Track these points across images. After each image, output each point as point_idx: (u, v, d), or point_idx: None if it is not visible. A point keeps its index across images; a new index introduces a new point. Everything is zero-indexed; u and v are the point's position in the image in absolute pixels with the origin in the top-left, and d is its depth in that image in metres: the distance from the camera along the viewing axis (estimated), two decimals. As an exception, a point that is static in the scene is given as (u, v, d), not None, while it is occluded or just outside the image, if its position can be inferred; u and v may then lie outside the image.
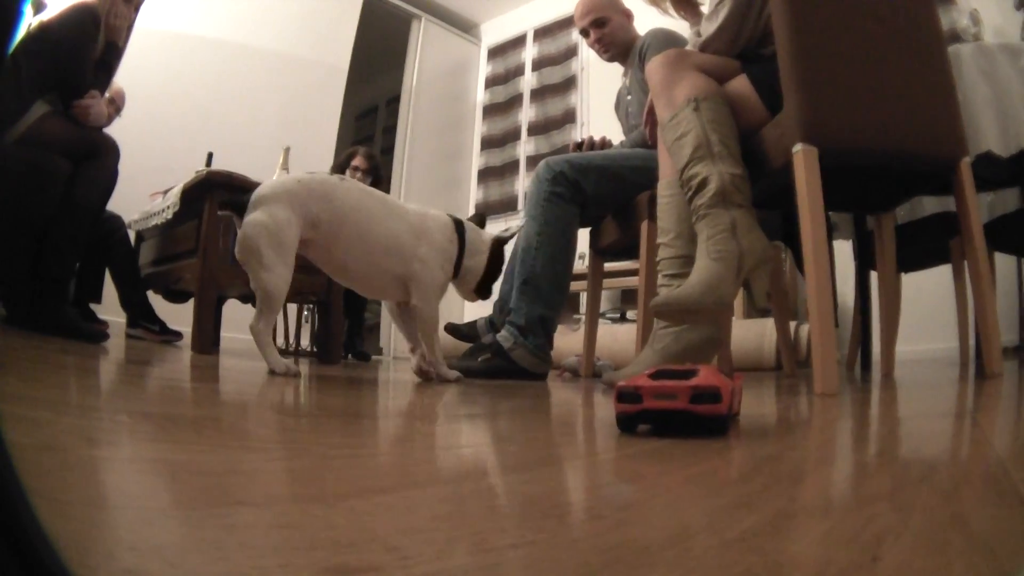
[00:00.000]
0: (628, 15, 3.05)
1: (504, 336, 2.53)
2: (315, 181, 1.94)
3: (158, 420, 0.89)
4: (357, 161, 4.46)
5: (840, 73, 1.80)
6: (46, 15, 2.66)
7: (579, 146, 2.92)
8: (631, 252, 2.76)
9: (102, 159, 2.69)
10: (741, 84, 2.00)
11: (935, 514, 0.51)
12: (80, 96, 2.70)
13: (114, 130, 2.82)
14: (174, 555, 0.35)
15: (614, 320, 5.16)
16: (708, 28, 2.07)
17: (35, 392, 1.00)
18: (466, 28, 7.62)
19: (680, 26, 2.51)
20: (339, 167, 4.50)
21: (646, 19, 2.83)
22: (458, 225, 2.17)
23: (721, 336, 1.98)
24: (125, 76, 3.97)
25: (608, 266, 3.25)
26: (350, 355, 4.33)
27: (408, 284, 2.05)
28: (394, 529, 0.43)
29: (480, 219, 2.33)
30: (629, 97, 3.02)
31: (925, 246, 2.93)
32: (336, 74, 6.28)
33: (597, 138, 2.95)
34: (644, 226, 2.46)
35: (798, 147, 1.73)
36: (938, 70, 1.92)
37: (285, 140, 3.64)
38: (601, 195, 2.65)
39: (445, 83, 7.28)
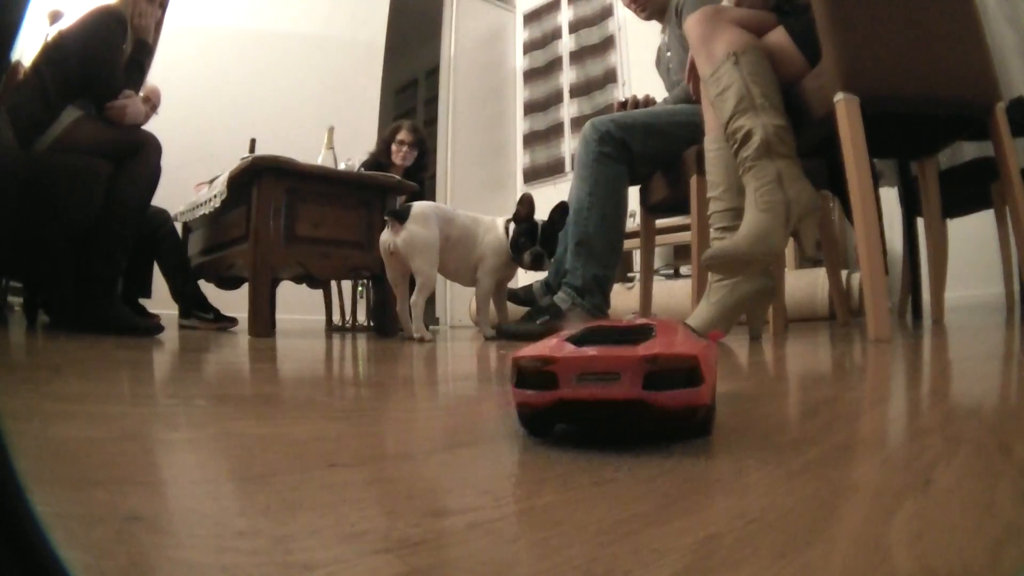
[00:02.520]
0: (662, -27, 3.02)
1: (561, 298, 2.55)
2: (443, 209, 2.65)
3: (234, 401, 0.90)
4: (402, 135, 4.43)
5: (875, 22, 1.81)
6: (64, 24, 2.66)
7: (623, 105, 2.91)
8: (682, 208, 2.76)
9: (143, 156, 2.66)
10: (779, 36, 2.00)
11: (983, 444, 0.54)
12: (114, 97, 2.68)
13: (155, 126, 2.83)
14: (282, 514, 0.37)
15: (668, 276, 5.15)
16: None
17: (100, 389, 0.99)
18: (500, -5, 7.56)
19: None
20: (384, 142, 4.50)
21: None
22: (506, 223, 2.64)
23: (775, 286, 1.98)
24: (162, 71, 4.03)
25: (660, 223, 3.26)
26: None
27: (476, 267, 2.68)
28: (482, 476, 0.45)
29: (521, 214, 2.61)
30: (669, 54, 3.00)
31: (967, 191, 2.90)
32: (373, 50, 6.26)
33: (641, 96, 2.94)
34: (693, 181, 2.46)
35: (839, 96, 1.74)
36: (967, 16, 1.93)
37: (327, 121, 3.64)
38: (648, 152, 2.65)
39: (483, 51, 7.25)
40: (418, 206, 2.54)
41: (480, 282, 2.68)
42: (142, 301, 3.38)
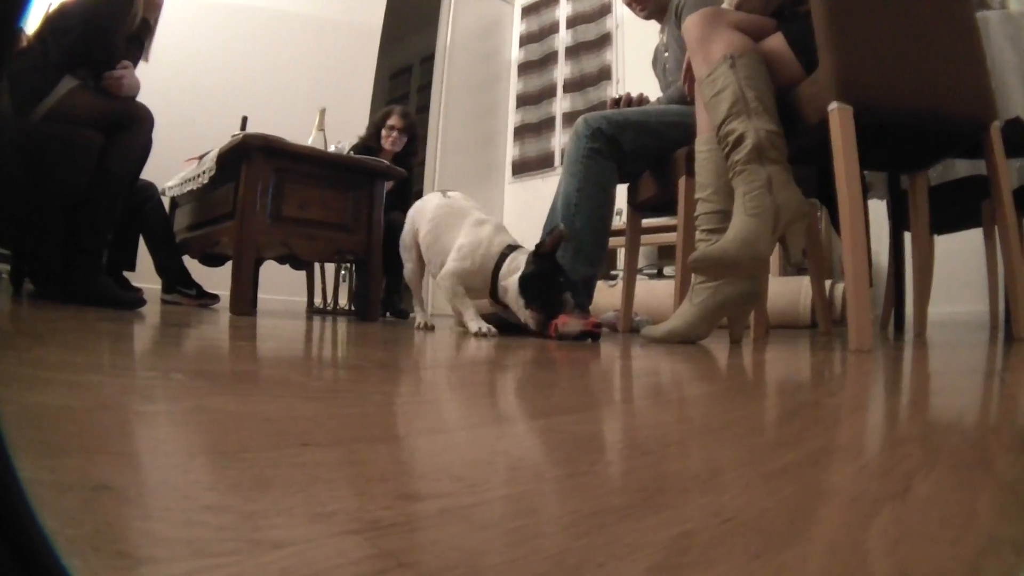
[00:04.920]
0: (663, -28, 3.01)
1: None
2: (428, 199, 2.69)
3: (212, 376, 0.89)
4: (393, 120, 4.42)
5: (874, 33, 1.81)
6: None
7: (616, 103, 2.91)
8: (669, 208, 2.76)
9: (135, 128, 2.68)
10: (777, 42, 2.00)
11: (962, 456, 0.54)
12: (112, 67, 2.68)
13: (148, 98, 2.82)
14: (253, 491, 0.36)
15: (651, 276, 5.16)
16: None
17: (80, 359, 0.99)
18: (498, -13, 7.52)
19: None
20: (374, 127, 4.49)
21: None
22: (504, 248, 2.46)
23: (758, 291, 1.99)
24: (157, 43, 4.11)
25: (645, 222, 3.25)
26: (388, 313, 4.33)
27: None
28: (458, 462, 0.45)
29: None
30: (666, 54, 3.00)
31: (957, 208, 2.92)
32: (369, 34, 6.21)
33: (635, 95, 2.93)
34: (682, 182, 2.47)
35: (833, 106, 1.74)
36: (968, 34, 1.94)
37: (320, 102, 3.62)
38: (639, 151, 2.65)
39: (479, 41, 7.22)
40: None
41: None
42: (126, 274, 3.37)
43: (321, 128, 3.46)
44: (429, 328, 2.55)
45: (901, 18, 1.84)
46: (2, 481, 0.25)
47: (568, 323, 2.13)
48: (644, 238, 3.88)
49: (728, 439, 0.58)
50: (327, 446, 0.49)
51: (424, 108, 6.98)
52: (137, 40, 2.88)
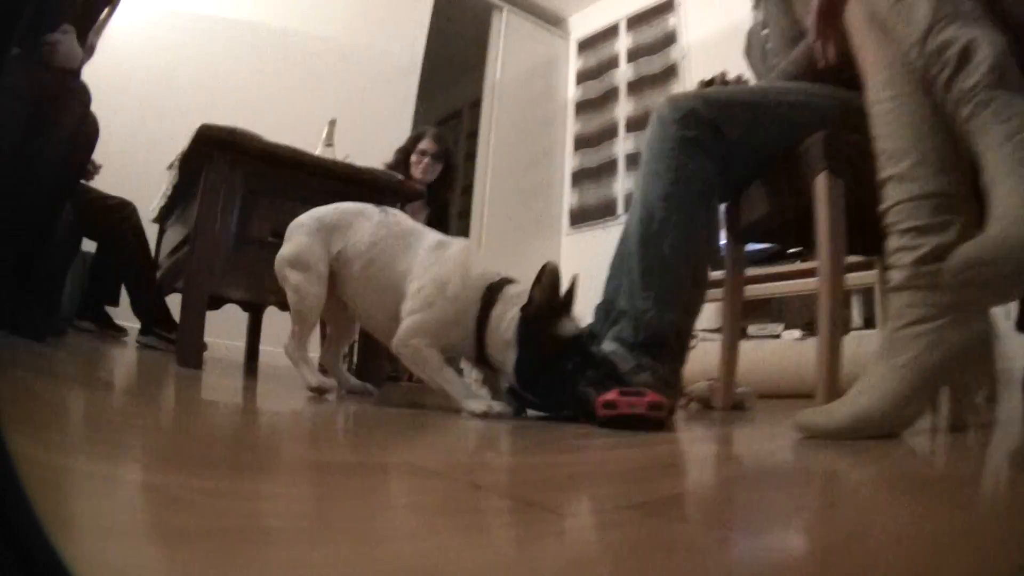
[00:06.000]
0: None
1: (619, 353, 1.68)
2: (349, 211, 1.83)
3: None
4: (425, 144, 3.74)
5: None
6: None
7: (708, 85, 2.08)
8: (785, 235, 1.94)
9: (62, 105, 2.14)
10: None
11: None
12: (50, 30, 2.17)
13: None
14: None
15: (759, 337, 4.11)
16: None
17: None
18: (553, 22, 6.93)
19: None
20: (403, 152, 3.81)
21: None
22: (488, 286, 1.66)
23: (992, 334, 1.12)
24: (183, 66, 4.27)
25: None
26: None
27: None
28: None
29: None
30: (765, 31, 2.19)
31: None
32: (408, 69, 5.67)
33: (731, 76, 2.11)
34: (821, 179, 1.65)
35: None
36: None
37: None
38: (750, 143, 1.82)
39: (531, 80, 6.58)
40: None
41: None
42: (109, 310, 3.16)
43: (330, 143, 2.83)
44: (323, 393, 1.68)
45: None
46: (2, 481, 0.27)
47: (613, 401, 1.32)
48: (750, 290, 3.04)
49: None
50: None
51: (472, 155, 6.36)
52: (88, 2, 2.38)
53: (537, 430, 1.28)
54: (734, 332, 2.23)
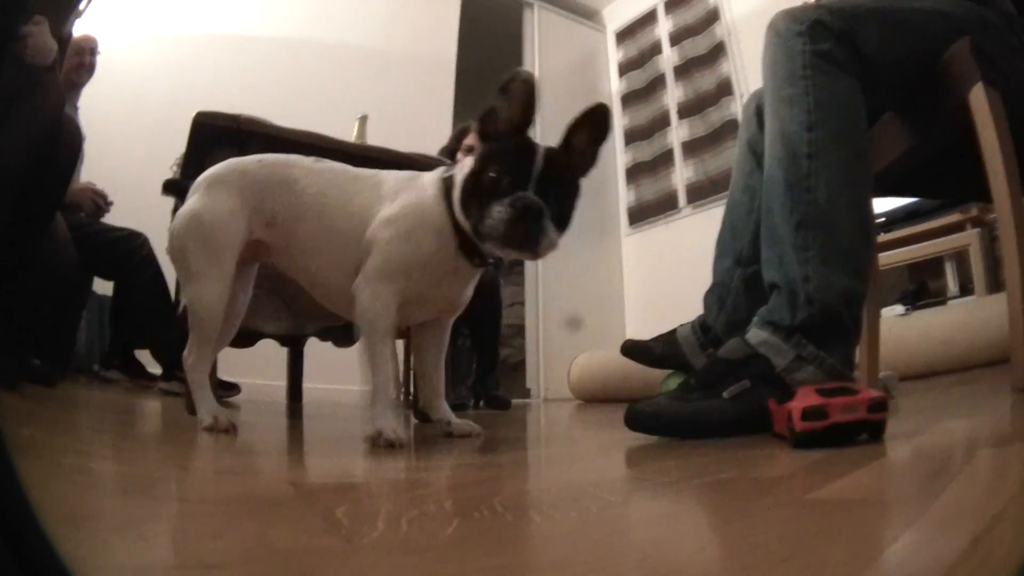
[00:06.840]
0: None
1: (771, 343, 1.27)
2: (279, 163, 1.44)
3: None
4: (472, 139, 3.37)
5: None
6: None
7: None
8: (931, 185, 1.63)
9: (30, 101, 1.89)
10: None
11: None
12: (23, 22, 1.88)
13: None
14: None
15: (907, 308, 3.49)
16: None
17: None
18: (586, 16, 6.63)
19: None
20: (447, 151, 3.48)
21: None
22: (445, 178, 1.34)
23: None
24: (221, 80, 4.13)
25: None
26: (481, 402, 3.20)
27: None
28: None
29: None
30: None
31: None
32: (442, 70, 5.50)
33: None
34: (978, 93, 1.31)
35: None
36: None
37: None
38: (886, 59, 1.42)
39: (571, 77, 6.21)
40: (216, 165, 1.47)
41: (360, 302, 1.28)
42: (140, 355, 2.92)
43: (361, 140, 2.55)
44: (227, 431, 1.33)
45: None
46: (2, 481, 0.27)
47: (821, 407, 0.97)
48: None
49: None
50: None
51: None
52: None
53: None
54: (875, 309, 1.82)
